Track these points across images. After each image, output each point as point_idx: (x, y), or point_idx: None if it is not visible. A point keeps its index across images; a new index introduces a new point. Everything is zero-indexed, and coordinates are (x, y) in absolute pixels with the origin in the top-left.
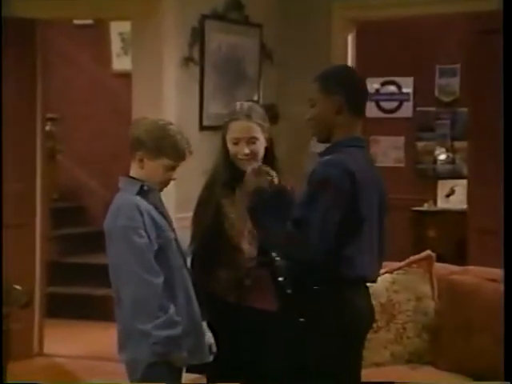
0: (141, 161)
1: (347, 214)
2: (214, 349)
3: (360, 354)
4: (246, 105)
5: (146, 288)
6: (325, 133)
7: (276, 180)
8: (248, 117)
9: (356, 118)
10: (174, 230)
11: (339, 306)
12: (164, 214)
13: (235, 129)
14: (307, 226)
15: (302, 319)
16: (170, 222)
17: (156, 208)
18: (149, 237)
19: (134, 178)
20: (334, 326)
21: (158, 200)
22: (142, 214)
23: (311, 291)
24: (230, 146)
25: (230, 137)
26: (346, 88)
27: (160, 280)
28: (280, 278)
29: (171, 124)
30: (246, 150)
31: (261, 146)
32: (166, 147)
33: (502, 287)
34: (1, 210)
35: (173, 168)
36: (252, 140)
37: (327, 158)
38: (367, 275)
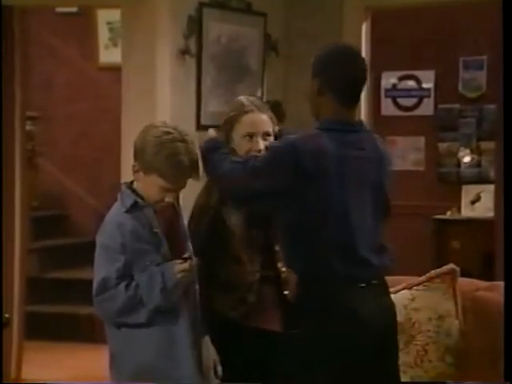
0: (136, 172)
1: (312, 200)
2: (220, 372)
3: (380, 365)
4: (252, 98)
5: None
6: (314, 112)
7: None
8: (260, 109)
9: (343, 103)
10: (164, 254)
11: (324, 315)
12: (159, 234)
13: (249, 122)
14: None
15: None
16: (163, 243)
17: (150, 227)
18: (129, 260)
19: (131, 189)
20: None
21: (154, 218)
22: (123, 236)
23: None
24: (240, 142)
25: (241, 132)
26: (326, 70)
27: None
28: (286, 292)
29: (185, 141)
30: (261, 146)
31: None
32: (163, 166)
33: None
34: (1, 219)
35: (168, 190)
36: (265, 135)
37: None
38: (347, 275)
